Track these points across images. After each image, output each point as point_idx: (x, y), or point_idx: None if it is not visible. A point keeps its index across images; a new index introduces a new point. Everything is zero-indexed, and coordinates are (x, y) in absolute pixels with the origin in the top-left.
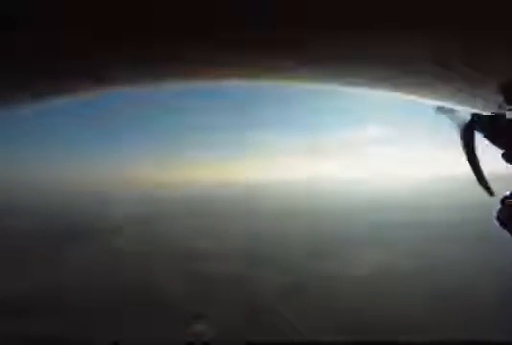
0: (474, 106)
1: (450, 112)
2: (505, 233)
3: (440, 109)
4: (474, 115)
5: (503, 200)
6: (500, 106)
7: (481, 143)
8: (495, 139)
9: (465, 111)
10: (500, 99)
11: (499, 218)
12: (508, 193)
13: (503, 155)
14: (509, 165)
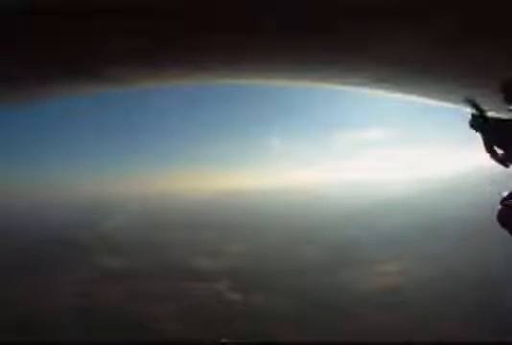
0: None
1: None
2: (506, 233)
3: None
4: (474, 115)
5: (503, 201)
6: (500, 106)
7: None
8: (495, 139)
9: (465, 111)
10: (500, 99)
11: (499, 219)
12: (507, 193)
13: (503, 155)
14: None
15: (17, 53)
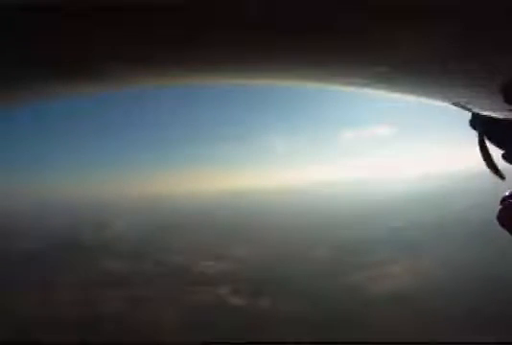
0: (474, 106)
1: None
2: (506, 233)
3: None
4: (474, 115)
5: (503, 200)
6: (499, 106)
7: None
8: (495, 139)
9: (465, 111)
10: (500, 99)
11: (499, 219)
12: (508, 193)
13: (503, 155)
14: (509, 165)
15: (17, 52)
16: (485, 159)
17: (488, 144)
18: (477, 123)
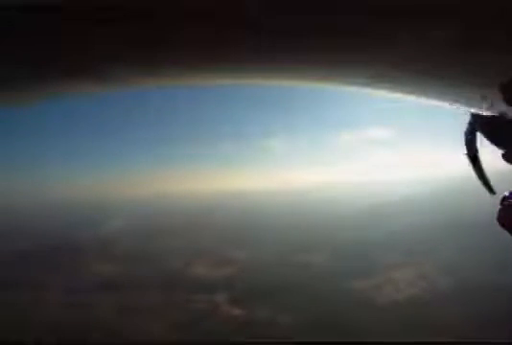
0: (474, 106)
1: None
2: (506, 233)
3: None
4: (474, 115)
5: (503, 200)
6: (499, 106)
7: (481, 143)
8: (495, 139)
9: (465, 111)
10: (501, 99)
11: (499, 219)
12: (508, 193)
13: (503, 155)
14: (509, 165)
15: (17, 52)
16: (477, 171)
17: (486, 145)
18: (472, 128)
